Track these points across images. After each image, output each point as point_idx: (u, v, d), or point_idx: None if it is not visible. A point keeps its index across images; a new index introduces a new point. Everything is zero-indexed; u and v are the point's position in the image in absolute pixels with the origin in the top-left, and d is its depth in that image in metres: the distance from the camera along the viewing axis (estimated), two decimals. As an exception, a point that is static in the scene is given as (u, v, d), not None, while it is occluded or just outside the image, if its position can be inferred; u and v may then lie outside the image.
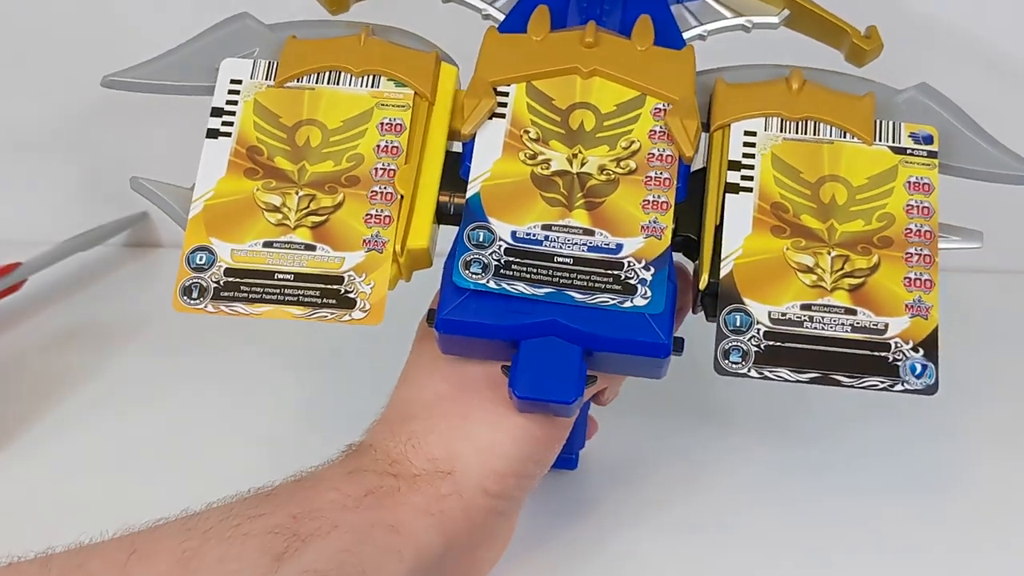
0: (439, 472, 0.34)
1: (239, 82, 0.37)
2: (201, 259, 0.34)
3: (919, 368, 0.33)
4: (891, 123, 0.37)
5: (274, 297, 0.33)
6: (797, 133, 0.36)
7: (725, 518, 0.45)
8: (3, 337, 0.60)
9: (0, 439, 0.52)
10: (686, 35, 0.40)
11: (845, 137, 0.36)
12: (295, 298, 0.33)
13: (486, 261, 0.34)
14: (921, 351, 0.33)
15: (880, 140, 0.36)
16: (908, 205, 0.35)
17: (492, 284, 0.33)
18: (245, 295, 0.34)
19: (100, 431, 0.53)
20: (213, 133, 0.36)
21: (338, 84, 0.37)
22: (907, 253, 0.35)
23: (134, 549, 0.31)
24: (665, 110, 0.36)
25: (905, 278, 0.34)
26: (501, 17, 0.40)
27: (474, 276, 0.33)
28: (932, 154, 0.36)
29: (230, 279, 0.34)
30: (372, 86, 0.37)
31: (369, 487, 0.33)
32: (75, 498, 0.49)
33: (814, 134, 0.36)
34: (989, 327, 0.57)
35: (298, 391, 0.55)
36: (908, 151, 0.36)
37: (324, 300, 0.33)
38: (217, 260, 0.34)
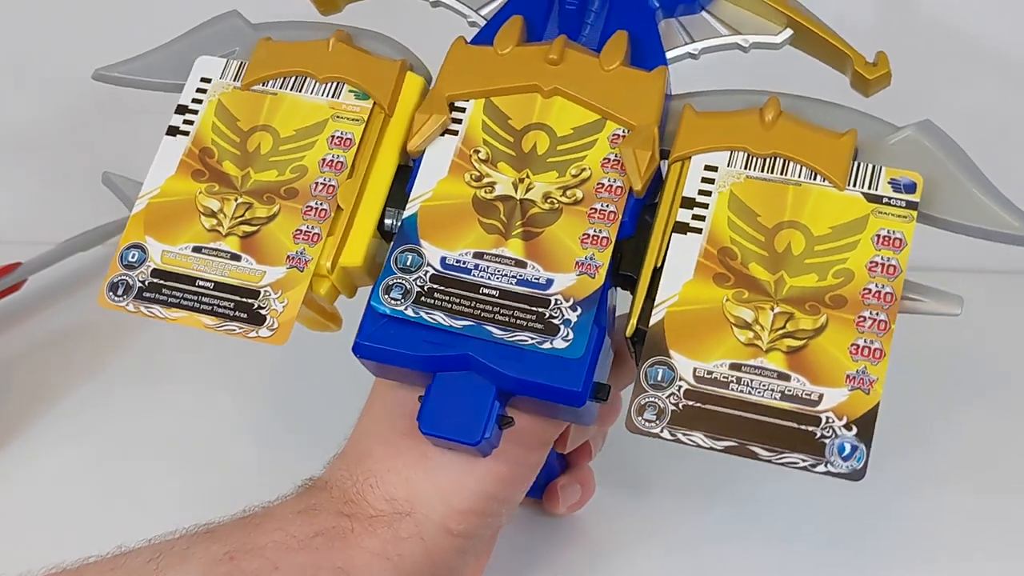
0: (398, 513, 0.32)
1: (208, 81, 0.37)
2: (133, 256, 0.35)
3: (848, 449, 0.29)
4: (871, 166, 0.33)
5: (191, 304, 0.33)
6: (763, 171, 0.33)
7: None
8: (3, 337, 0.60)
9: (0, 439, 0.52)
10: (673, 53, 0.37)
11: (815, 179, 0.33)
12: (210, 308, 0.33)
13: (408, 287, 0.32)
14: (855, 430, 0.29)
15: (854, 185, 0.33)
16: (872, 262, 0.31)
17: (410, 312, 0.32)
18: (164, 299, 0.34)
19: (99, 431, 0.53)
20: (173, 131, 0.36)
21: (301, 91, 0.36)
22: (860, 316, 0.31)
23: None
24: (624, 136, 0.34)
25: (853, 345, 0.30)
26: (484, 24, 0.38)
27: (392, 302, 0.32)
28: (911, 204, 0.32)
29: (155, 280, 0.34)
30: (333, 96, 0.36)
31: (319, 528, 0.32)
32: (74, 498, 0.49)
33: (781, 173, 0.33)
34: (989, 327, 0.57)
35: (300, 392, 0.55)
36: (884, 199, 0.32)
37: (236, 313, 0.33)
38: (147, 259, 0.34)
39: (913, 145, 0.34)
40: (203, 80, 0.37)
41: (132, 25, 0.66)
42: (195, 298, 0.34)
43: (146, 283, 0.34)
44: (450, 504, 0.33)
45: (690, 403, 0.30)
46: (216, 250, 0.34)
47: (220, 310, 0.33)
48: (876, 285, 0.31)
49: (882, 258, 0.31)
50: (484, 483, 0.33)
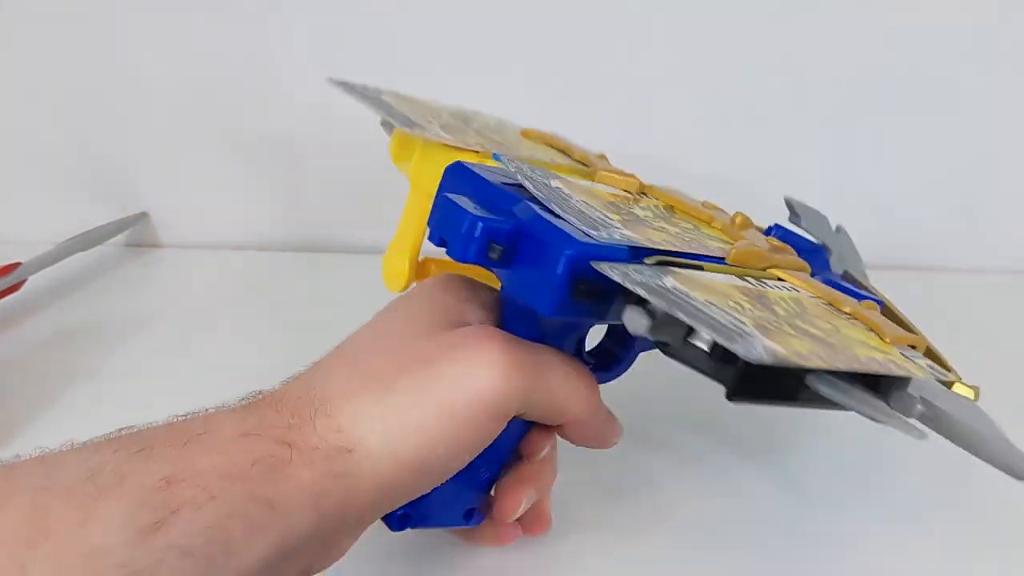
0: (340, 448, 0.31)
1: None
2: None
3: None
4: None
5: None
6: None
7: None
8: (3, 337, 0.60)
9: None
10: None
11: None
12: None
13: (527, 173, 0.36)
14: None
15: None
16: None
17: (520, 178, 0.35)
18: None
19: (99, 430, 0.53)
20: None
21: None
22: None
23: None
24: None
25: None
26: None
27: (506, 160, 0.37)
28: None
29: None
30: (570, 163, 0.45)
31: (259, 455, 0.30)
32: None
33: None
34: (990, 327, 0.57)
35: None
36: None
37: None
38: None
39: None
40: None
41: (131, 25, 0.66)
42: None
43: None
44: (392, 451, 0.32)
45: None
46: None
47: None
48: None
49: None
50: (430, 436, 0.32)
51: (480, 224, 0.31)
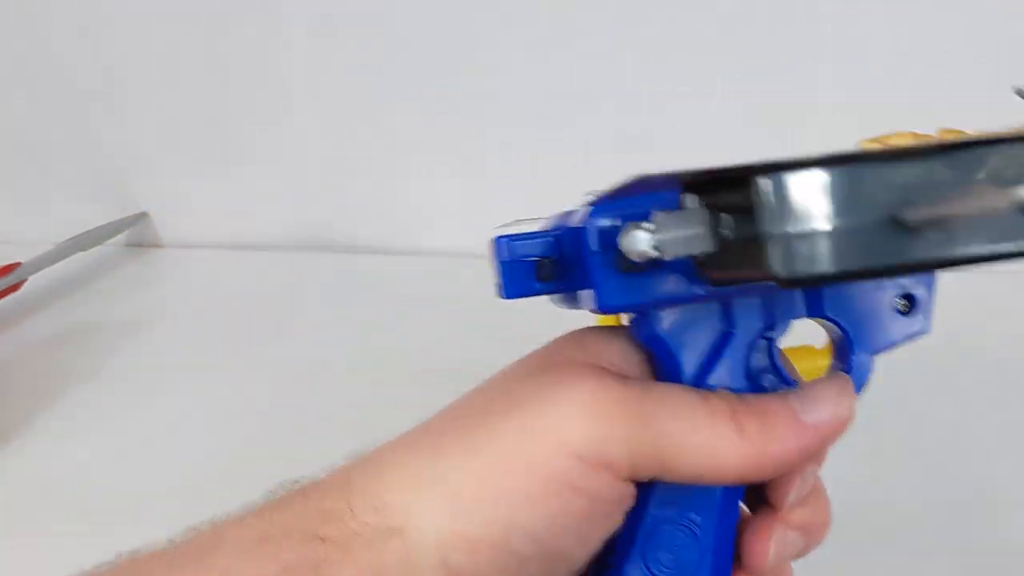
0: (387, 528, 0.25)
1: None
2: None
3: None
4: None
5: None
6: None
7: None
8: (3, 337, 0.60)
9: (0, 437, 0.52)
10: None
11: None
12: None
13: None
14: None
15: None
16: None
17: None
18: None
19: (99, 430, 0.53)
20: None
21: None
22: None
23: None
24: None
25: None
26: None
27: None
28: None
29: None
30: None
31: (284, 563, 0.24)
32: (73, 496, 0.49)
33: None
34: (992, 327, 0.57)
35: (297, 392, 0.55)
36: None
37: None
38: None
39: None
40: None
41: (132, 27, 0.66)
42: None
43: None
44: (455, 523, 0.25)
45: None
46: None
47: None
48: None
49: None
50: (508, 505, 0.25)
51: (506, 241, 0.26)
